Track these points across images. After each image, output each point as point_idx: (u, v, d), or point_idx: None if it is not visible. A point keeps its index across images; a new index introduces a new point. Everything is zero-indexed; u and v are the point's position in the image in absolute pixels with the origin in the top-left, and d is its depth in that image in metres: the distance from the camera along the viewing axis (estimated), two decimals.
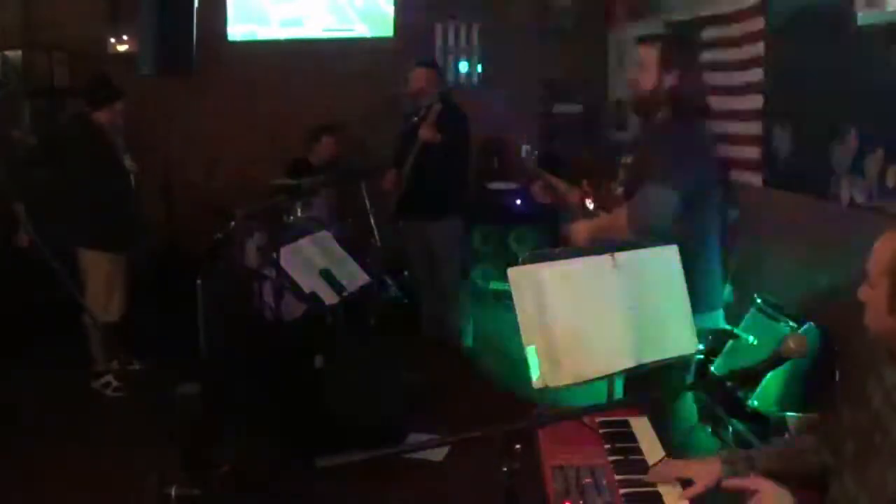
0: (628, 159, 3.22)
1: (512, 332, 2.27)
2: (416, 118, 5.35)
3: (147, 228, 5.52)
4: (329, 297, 4.30)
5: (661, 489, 1.92)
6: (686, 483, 1.93)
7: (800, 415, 3.38)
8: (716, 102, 4.89)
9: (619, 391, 2.60)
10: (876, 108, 3.39)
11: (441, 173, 5.22)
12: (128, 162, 4.97)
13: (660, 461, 2.00)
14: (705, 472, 1.92)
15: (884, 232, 1.78)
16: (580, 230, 3.24)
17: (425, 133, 5.17)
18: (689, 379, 3.05)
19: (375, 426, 4.01)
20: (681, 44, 3.20)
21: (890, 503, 1.66)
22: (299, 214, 5.63)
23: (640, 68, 3.12)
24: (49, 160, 4.79)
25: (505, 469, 1.66)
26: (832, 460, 1.88)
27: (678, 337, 2.42)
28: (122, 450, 4.01)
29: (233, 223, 5.76)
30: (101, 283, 4.83)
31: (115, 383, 4.88)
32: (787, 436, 3.26)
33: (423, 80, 5.34)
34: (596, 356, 2.25)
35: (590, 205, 3.42)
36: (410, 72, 5.38)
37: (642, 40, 3.19)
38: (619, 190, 3.21)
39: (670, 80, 3.04)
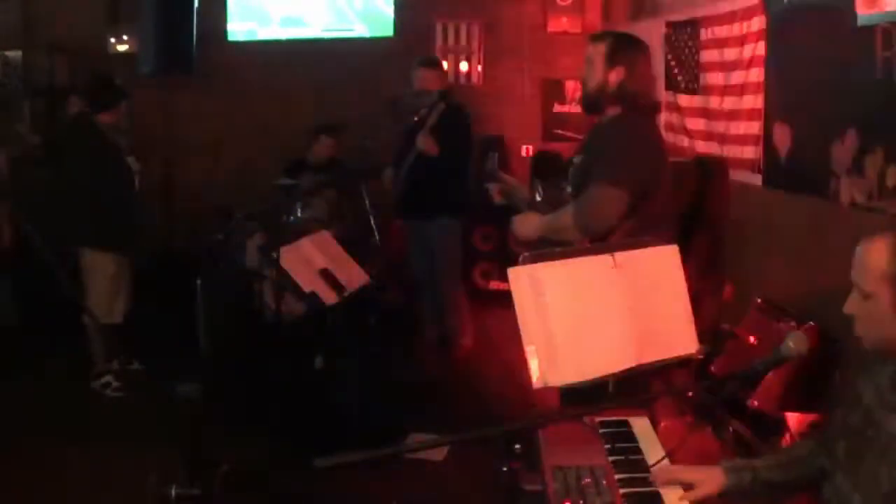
0: (578, 159, 3.23)
1: (512, 332, 2.27)
2: (416, 118, 5.34)
3: (147, 228, 5.52)
4: (329, 297, 4.30)
5: (661, 489, 1.92)
6: (687, 486, 1.93)
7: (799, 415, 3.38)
8: (716, 102, 4.92)
9: None
10: (876, 108, 3.39)
11: (442, 173, 5.22)
12: (131, 161, 4.97)
13: (660, 461, 2.00)
14: (708, 479, 1.92)
15: (868, 239, 1.76)
16: (528, 223, 3.28)
17: (423, 143, 5.16)
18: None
19: (375, 426, 4.01)
20: (627, 41, 3.21)
21: (883, 498, 1.66)
22: (299, 214, 5.63)
23: (588, 66, 3.17)
24: (52, 160, 4.80)
25: (505, 469, 1.66)
26: (827, 462, 1.88)
27: (678, 337, 2.42)
28: (122, 450, 4.01)
29: (233, 223, 5.77)
30: (107, 285, 4.83)
31: (115, 383, 4.88)
32: (786, 437, 3.27)
33: (427, 78, 5.33)
34: (596, 356, 2.25)
35: (537, 197, 3.45)
36: (415, 70, 5.37)
37: (591, 39, 3.24)
38: (569, 189, 3.22)
39: (616, 76, 3.08)
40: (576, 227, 3.03)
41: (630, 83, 3.08)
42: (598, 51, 3.14)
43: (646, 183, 2.98)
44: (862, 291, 1.75)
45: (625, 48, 3.14)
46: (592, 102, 3.19)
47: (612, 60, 3.09)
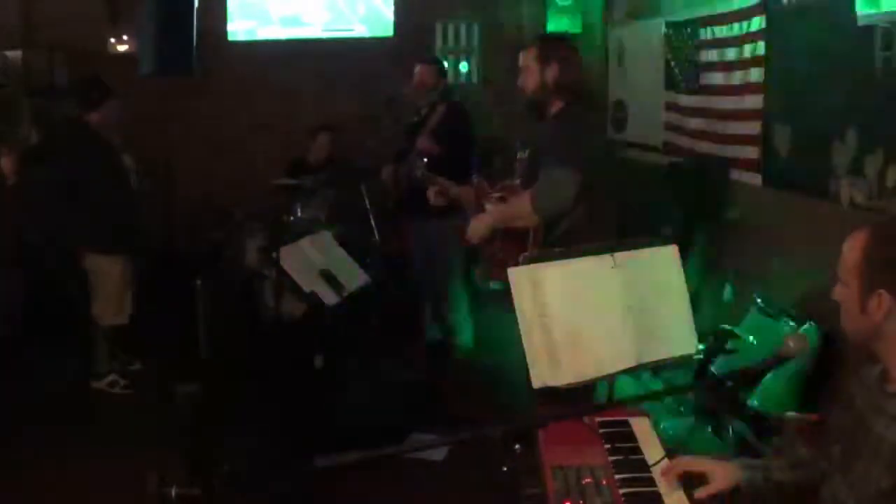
0: (524, 153, 3.39)
1: (512, 332, 2.27)
2: (416, 118, 5.34)
3: (147, 228, 5.51)
4: (329, 297, 4.30)
5: (662, 489, 1.92)
6: (690, 483, 1.93)
7: (799, 415, 3.38)
8: (716, 102, 4.92)
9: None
10: (876, 108, 3.40)
11: (440, 172, 5.21)
12: (127, 161, 4.96)
13: (660, 461, 1.99)
14: (722, 472, 1.92)
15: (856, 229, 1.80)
16: (480, 223, 3.47)
17: (423, 144, 5.16)
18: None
19: (375, 426, 4.01)
20: (555, 40, 3.49)
21: (875, 497, 1.67)
22: (299, 214, 5.63)
23: (523, 72, 3.40)
24: (47, 163, 4.78)
25: (505, 469, 1.66)
26: (825, 464, 1.89)
27: (678, 337, 2.42)
28: (122, 450, 4.01)
29: (233, 223, 5.78)
30: (116, 286, 4.82)
31: (122, 381, 4.88)
32: (786, 437, 3.26)
33: (427, 75, 5.33)
34: (596, 356, 2.25)
35: (495, 195, 3.55)
36: (416, 66, 5.37)
37: (521, 50, 3.46)
38: (517, 182, 3.40)
39: (551, 73, 3.30)
40: (534, 210, 3.21)
41: (566, 76, 3.31)
42: (530, 55, 3.37)
43: (593, 164, 3.18)
44: (840, 279, 1.81)
45: (553, 46, 3.38)
46: (536, 103, 3.39)
47: (545, 59, 3.32)
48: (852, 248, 1.77)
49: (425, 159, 4.19)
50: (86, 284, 4.82)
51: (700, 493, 1.90)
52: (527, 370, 2.18)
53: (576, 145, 3.19)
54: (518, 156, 3.50)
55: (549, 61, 3.31)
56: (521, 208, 3.29)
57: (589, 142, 3.28)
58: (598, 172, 3.21)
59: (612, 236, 3.16)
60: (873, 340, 1.77)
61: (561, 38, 3.53)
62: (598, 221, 3.19)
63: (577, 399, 2.31)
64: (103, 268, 4.78)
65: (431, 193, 3.95)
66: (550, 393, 2.21)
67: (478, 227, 3.48)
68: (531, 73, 3.36)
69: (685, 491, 1.92)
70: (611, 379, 2.38)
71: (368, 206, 5.96)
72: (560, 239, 3.15)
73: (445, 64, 6.11)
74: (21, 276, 5.20)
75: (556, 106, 3.35)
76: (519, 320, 2.20)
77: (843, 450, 1.80)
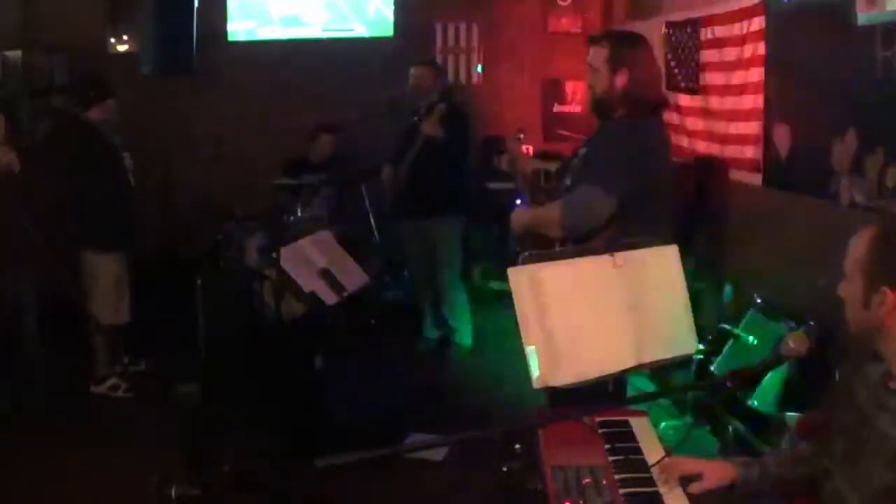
0: (581, 153, 3.22)
1: (512, 332, 2.27)
2: (416, 118, 5.34)
3: (147, 228, 5.51)
4: (329, 297, 4.30)
5: (662, 489, 1.92)
6: (689, 482, 1.93)
7: (800, 415, 3.38)
8: (716, 102, 4.92)
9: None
10: (876, 108, 3.39)
11: (442, 172, 5.21)
12: (126, 160, 4.96)
13: (660, 461, 2.00)
14: (717, 470, 1.93)
15: (863, 226, 1.81)
16: (520, 217, 3.35)
17: (429, 128, 5.16)
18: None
19: (375, 426, 4.01)
20: (627, 41, 3.17)
21: (876, 494, 1.67)
22: (299, 214, 5.63)
23: (591, 70, 3.14)
24: (47, 161, 4.77)
25: (505, 469, 1.66)
26: (826, 462, 1.89)
27: (678, 337, 2.42)
28: (123, 450, 4.01)
29: (233, 223, 5.78)
30: (112, 284, 4.81)
31: (123, 384, 4.87)
32: (786, 437, 3.27)
33: (423, 78, 5.34)
34: (596, 356, 2.25)
35: (541, 180, 3.48)
36: (412, 69, 5.39)
37: (591, 42, 3.20)
38: (567, 183, 3.21)
39: (621, 79, 3.04)
40: (560, 223, 3.04)
41: (635, 84, 3.05)
42: (600, 55, 3.10)
43: (640, 187, 2.95)
44: (845, 275, 1.82)
45: (626, 49, 3.10)
46: (601, 107, 3.16)
47: (615, 63, 3.06)
48: (858, 245, 1.78)
49: (521, 135, 4.08)
50: (83, 284, 4.81)
51: (693, 488, 1.91)
52: (527, 370, 2.19)
53: (621, 166, 2.96)
54: (577, 154, 3.24)
55: (619, 66, 3.05)
56: (549, 217, 3.13)
57: (641, 159, 2.98)
58: (647, 189, 2.96)
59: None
60: (876, 337, 1.78)
61: (634, 40, 3.18)
62: (653, 227, 2.88)
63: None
64: (100, 267, 4.78)
65: (504, 160, 3.86)
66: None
67: (515, 221, 3.37)
68: (600, 76, 3.10)
69: (684, 490, 1.92)
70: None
71: (368, 206, 5.96)
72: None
73: (441, 64, 6.12)
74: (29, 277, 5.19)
75: (619, 112, 3.10)
76: (519, 320, 2.20)
77: (846, 447, 1.81)
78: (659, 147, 3.14)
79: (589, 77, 3.19)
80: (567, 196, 3.09)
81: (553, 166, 3.52)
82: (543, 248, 3.11)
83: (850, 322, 1.83)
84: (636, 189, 2.93)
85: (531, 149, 7.00)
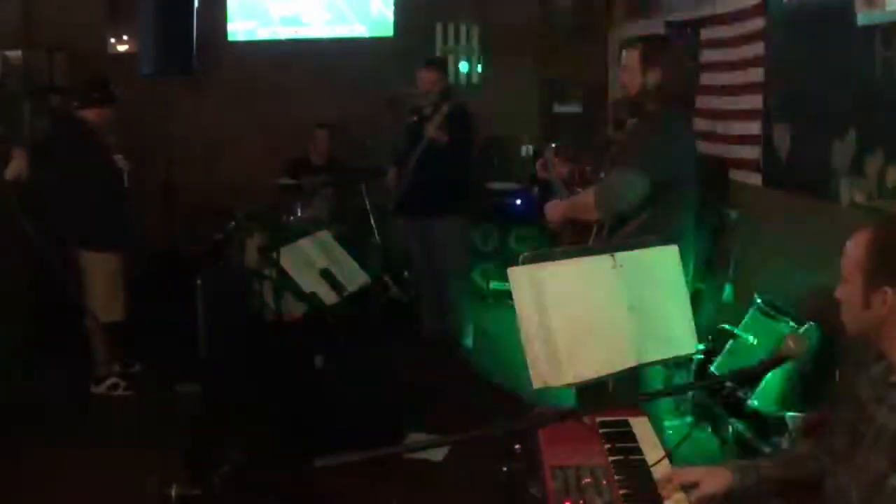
0: (617, 144, 3.51)
1: (512, 332, 2.27)
2: (416, 118, 5.34)
3: (147, 228, 5.51)
4: (329, 297, 4.30)
5: (662, 489, 1.92)
6: (691, 487, 1.93)
7: (800, 415, 3.38)
8: (716, 102, 4.92)
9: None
10: (876, 108, 3.39)
11: (444, 172, 5.21)
12: (119, 160, 4.96)
13: (660, 461, 1.99)
14: (713, 477, 1.93)
15: (860, 227, 1.82)
16: (555, 208, 3.55)
17: (433, 132, 5.15)
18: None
19: (375, 426, 4.01)
20: (660, 44, 3.44)
21: (874, 483, 1.68)
22: (299, 214, 5.63)
23: (625, 72, 3.39)
24: (44, 160, 4.77)
25: (505, 469, 1.66)
26: (827, 459, 1.89)
27: (678, 336, 2.42)
28: (123, 450, 4.00)
29: (233, 223, 5.78)
30: (105, 283, 4.81)
31: (122, 383, 4.87)
32: (785, 437, 3.27)
33: (427, 80, 5.32)
34: (596, 356, 2.25)
35: (576, 177, 3.66)
36: (419, 70, 5.36)
37: (626, 45, 3.44)
38: (602, 175, 3.46)
39: (654, 78, 3.29)
40: (596, 206, 3.28)
41: (667, 83, 3.29)
42: (633, 56, 3.34)
43: (668, 176, 3.19)
44: (842, 277, 1.83)
45: (657, 50, 3.35)
46: (636, 104, 3.38)
47: (647, 63, 3.30)
48: (856, 246, 1.79)
49: (554, 144, 4.25)
50: (81, 283, 4.81)
51: (688, 498, 1.90)
52: (527, 370, 2.19)
53: (653, 152, 3.21)
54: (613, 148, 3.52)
55: (652, 65, 3.29)
56: (585, 203, 3.37)
57: (671, 147, 3.25)
58: (674, 179, 3.22)
59: (691, 233, 3.27)
60: (876, 337, 1.80)
61: (667, 43, 3.56)
62: (669, 225, 3.14)
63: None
64: (92, 266, 4.78)
65: (539, 164, 4.03)
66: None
67: (551, 213, 3.57)
68: (634, 75, 3.34)
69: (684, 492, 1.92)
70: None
71: (368, 206, 5.96)
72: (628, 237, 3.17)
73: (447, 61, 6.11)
74: (26, 278, 5.20)
75: (651, 108, 3.32)
76: (519, 320, 2.20)
77: (846, 443, 1.82)
78: (687, 138, 3.42)
79: (622, 77, 3.43)
80: (601, 181, 3.35)
81: (587, 166, 3.70)
82: (579, 240, 3.37)
83: (848, 323, 1.85)
84: (667, 175, 3.19)
85: (531, 149, 7.03)
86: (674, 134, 3.32)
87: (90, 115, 4.79)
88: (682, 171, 3.28)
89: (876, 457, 1.70)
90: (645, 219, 3.18)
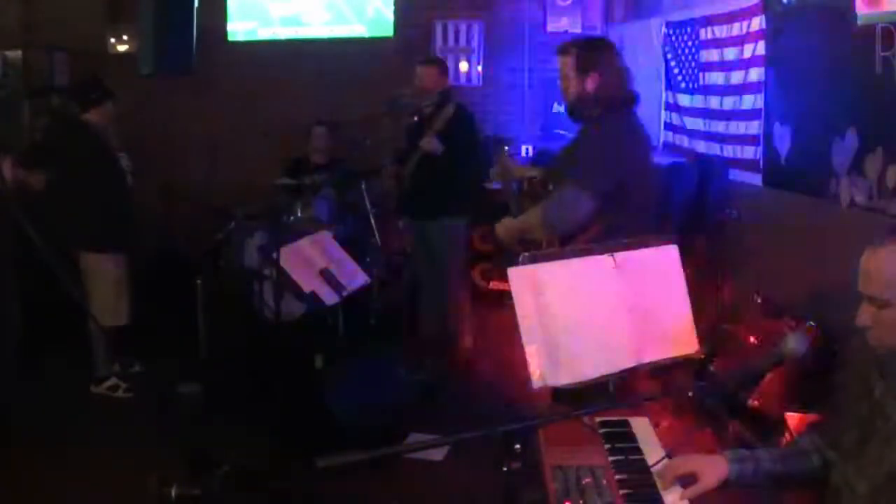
0: (559, 155, 3.42)
1: (512, 333, 2.26)
2: (416, 118, 5.33)
3: (147, 228, 5.51)
4: (329, 297, 4.30)
5: (662, 489, 1.92)
6: (686, 481, 1.92)
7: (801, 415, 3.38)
8: (716, 102, 4.92)
9: None
10: (876, 108, 3.40)
11: (445, 173, 5.21)
12: (123, 161, 4.95)
13: (660, 461, 1.99)
14: (711, 469, 1.92)
15: (871, 248, 1.71)
16: (505, 228, 3.47)
17: (427, 145, 5.15)
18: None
19: (375, 426, 4.01)
20: (593, 47, 3.35)
21: (885, 479, 1.67)
22: (299, 214, 5.63)
23: (563, 78, 3.32)
24: (46, 162, 4.76)
25: (505, 469, 1.66)
26: (832, 454, 1.89)
27: (678, 337, 2.42)
28: (122, 450, 4.01)
29: (233, 223, 5.78)
30: (110, 286, 4.81)
31: (123, 385, 4.87)
32: (786, 436, 3.27)
33: (429, 76, 5.31)
34: (596, 356, 2.25)
35: (525, 185, 3.62)
36: (417, 68, 5.35)
37: (559, 52, 3.37)
38: (551, 187, 3.38)
39: (591, 82, 3.22)
40: (543, 225, 3.21)
41: (605, 86, 3.21)
42: (567, 63, 3.28)
43: (615, 183, 3.09)
44: (877, 301, 1.70)
45: (592, 55, 3.27)
46: (575, 110, 3.33)
47: (583, 69, 3.23)
48: (891, 265, 1.65)
49: (507, 149, 4.23)
50: (81, 285, 4.80)
51: (686, 493, 1.90)
52: (527, 370, 2.19)
53: (597, 162, 3.13)
54: (555, 157, 3.48)
55: (588, 72, 3.22)
56: (531, 223, 3.29)
57: (617, 153, 3.14)
58: (626, 186, 3.11)
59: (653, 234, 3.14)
60: None
61: (600, 44, 3.40)
62: (637, 222, 3.07)
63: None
64: (97, 269, 4.77)
65: (494, 171, 3.99)
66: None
67: (500, 232, 3.50)
68: (571, 81, 3.28)
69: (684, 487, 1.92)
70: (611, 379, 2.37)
71: (368, 206, 5.95)
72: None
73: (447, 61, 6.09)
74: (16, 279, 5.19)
75: (593, 112, 3.26)
76: (519, 320, 2.20)
77: (857, 437, 1.80)
78: (634, 142, 3.28)
79: (562, 84, 3.35)
80: (548, 198, 3.26)
81: (539, 173, 3.63)
82: (533, 250, 3.20)
83: (887, 344, 1.73)
84: (615, 185, 3.08)
85: (531, 149, 7.03)
86: (618, 138, 3.20)
87: (94, 116, 4.79)
88: (632, 176, 3.16)
89: (889, 454, 1.68)
90: (597, 231, 3.09)
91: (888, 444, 1.70)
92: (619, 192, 3.08)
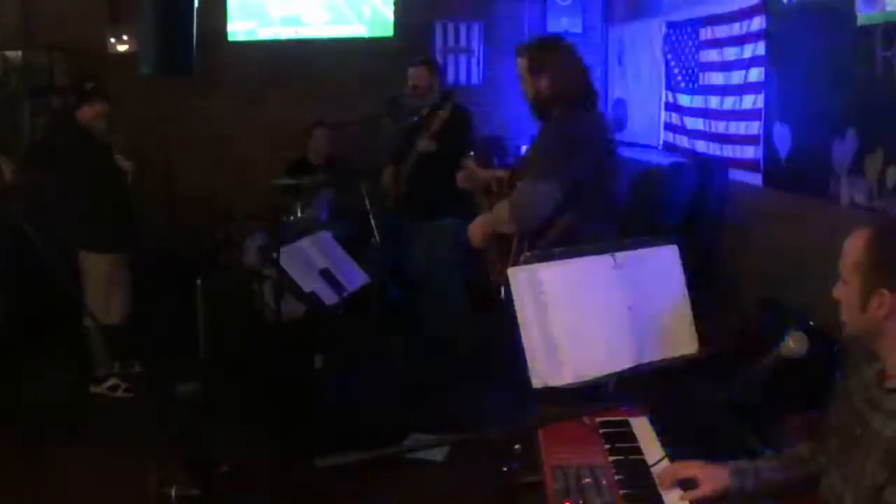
0: (525, 154, 3.45)
1: (512, 332, 2.26)
2: (415, 118, 5.33)
3: (147, 228, 5.51)
4: (329, 297, 4.30)
5: (662, 490, 1.92)
6: (686, 485, 1.93)
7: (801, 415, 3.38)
8: (716, 102, 4.92)
9: None
10: (876, 108, 3.40)
11: (444, 173, 5.20)
12: (121, 161, 4.95)
13: (660, 461, 2.00)
14: (712, 477, 1.92)
15: (857, 227, 1.80)
16: (475, 226, 3.54)
17: (423, 148, 5.16)
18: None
19: (375, 426, 4.01)
20: (544, 48, 3.41)
21: (870, 492, 1.67)
22: (299, 214, 5.63)
23: (520, 79, 3.42)
24: (42, 163, 4.76)
25: (505, 469, 1.66)
26: (823, 460, 1.89)
27: (678, 337, 2.42)
28: (122, 450, 4.01)
29: (233, 223, 5.77)
30: (101, 285, 4.81)
31: (122, 384, 4.87)
32: (787, 439, 3.27)
33: (421, 77, 5.32)
34: (596, 356, 2.25)
35: (493, 187, 3.66)
36: (409, 69, 5.37)
37: (516, 53, 3.45)
38: (518, 185, 3.42)
39: (545, 83, 3.30)
40: (511, 220, 3.27)
41: (559, 84, 3.28)
42: (523, 65, 3.37)
43: (579, 177, 3.16)
44: (841, 277, 1.81)
45: (543, 55, 3.34)
46: (536, 110, 3.40)
47: (536, 70, 3.32)
48: (854, 247, 1.77)
49: (472, 153, 4.26)
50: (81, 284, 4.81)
51: (686, 497, 1.90)
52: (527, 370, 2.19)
53: (559, 157, 3.18)
54: (522, 156, 3.55)
55: (540, 71, 3.30)
56: (500, 217, 3.36)
57: (579, 150, 3.21)
58: (586, 179, 3.19)
59: (613, 236, 3.16)
60: (873, 338, 1.78)
61: (552, 44, 3.43)
62: (597, 222, 3.18)
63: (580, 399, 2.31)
64: (90, 266, 4.77)
65: (460, 175, 4.02)
66: (553, 393, 2.21)
67: (473, 232, 3.56)
68: (527, 82, 3.37)
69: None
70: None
71: (368, 206, 5.95)
72: (557, 242, 3.13)
73: (441, 64, 6.10)
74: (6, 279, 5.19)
75: (553, 110, 3.33)
76: (519, 320, 2.20)
77: (840, 445, 1.81)
78: (594, 137, 3.33)
79: (520, 85, 3.44)
80: (515, 192, 3.33)
81: (506, 174, 3.68)
82: (505, 252, 3.36)
83: (847, 324, 1.83)
84: (576, 178, 3.15)
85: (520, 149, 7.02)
86: (578, 135, 3.25)
87: (86, 113, 4.77)
88: (595, 172, 3.22)
89: (871, 465, 1.68)
90: (564, 225, 3.17)
91: (869, 455, 1.69)
92: (580, 186, 3.15)
